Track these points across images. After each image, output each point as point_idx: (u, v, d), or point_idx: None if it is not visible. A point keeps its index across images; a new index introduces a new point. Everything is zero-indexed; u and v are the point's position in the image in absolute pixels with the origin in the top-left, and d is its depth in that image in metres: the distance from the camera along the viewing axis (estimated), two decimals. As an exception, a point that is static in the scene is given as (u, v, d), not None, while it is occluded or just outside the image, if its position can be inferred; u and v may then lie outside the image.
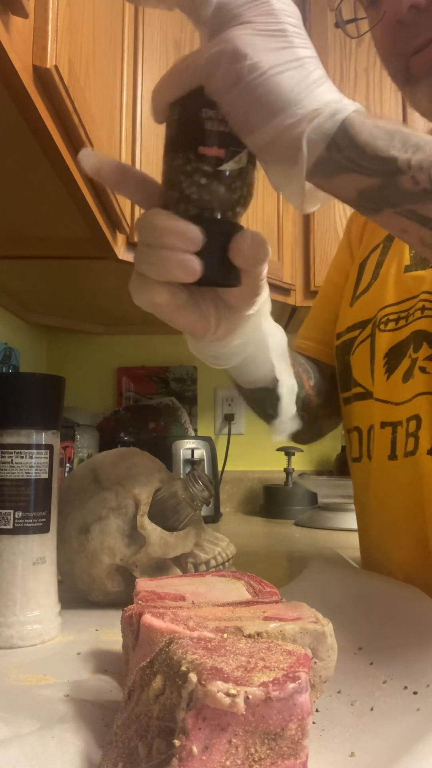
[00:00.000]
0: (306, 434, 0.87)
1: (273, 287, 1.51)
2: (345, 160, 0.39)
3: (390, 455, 0.67)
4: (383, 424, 0.68)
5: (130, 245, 1.15)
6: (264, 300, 0.49)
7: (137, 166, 1.16)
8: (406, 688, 0.41)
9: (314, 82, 0.38)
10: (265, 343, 0.53)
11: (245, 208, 0.43)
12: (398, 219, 0.41)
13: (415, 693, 0.41)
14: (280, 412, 0.54)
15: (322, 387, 0.82)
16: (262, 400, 0.67)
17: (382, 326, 0.70)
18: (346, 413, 0.77)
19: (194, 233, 0.40)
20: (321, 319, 0.87)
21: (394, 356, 0.68)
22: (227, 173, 0.41)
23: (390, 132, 0.39)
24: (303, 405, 0.76)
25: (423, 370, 0.64)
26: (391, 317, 0.69)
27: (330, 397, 0.82)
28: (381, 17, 0.62)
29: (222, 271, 0.42)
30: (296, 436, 0.85)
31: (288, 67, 0.38)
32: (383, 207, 0.41)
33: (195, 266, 0.40)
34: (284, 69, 0.37)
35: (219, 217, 0.42)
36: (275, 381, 0.54)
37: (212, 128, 0.40)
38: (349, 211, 1.61)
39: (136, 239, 0.43)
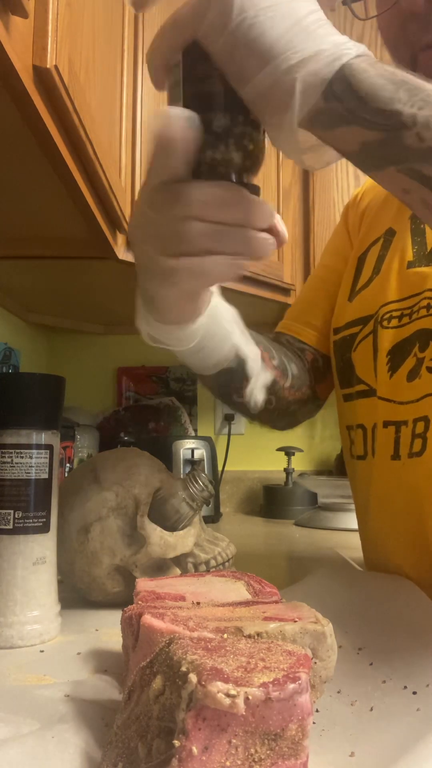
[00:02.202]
0: (280, 420, 0.84)
1: (273, 287, 1.52)
2: (345, 111, 0.36)
3: (393, 455, 0.66)
4: (386, 423, 0.68)
5: (130, 245, 1.15)
6: None
7: (137, 166, 1.16)
8: (405, 688, 0.41)
9: (313, 23, 0.36)
10: (219, 314, 0.51)
11: (254, 168, 0.41)
12: (401, 178, 0.38)
13: (414, 693, 0.41)
14: (250, 373, 0.51)
15: (294, 370, 0.79)
16: (226, 385, 0.65)
17: (384, 323, 0.69)
18: (347, 410, 0.76)
19: (270, 209, 0.37)
20: (314, 304, 0.85)
21: (397, 354, 0.67)
22: (224, 134, 0.38)
23: (396, 82, 0.36)
24: (268, 385, 0.74)
25: (430, 370, 0.63)
26: (394, 314, 0.68)
27: (303, 382, 0.80)
28: (394, 2, 0.60)
29: None
30: (271, 422, 0.83)
31: (282, 8, 0.35)
32: (386, 164, 0.38)
33: (272, 244, 0.38)
34: (277, 10, 0.35)
35: (245, 181, 0.39)
36: (237, 358, 0.52)
37: (206, 87, 0.38)
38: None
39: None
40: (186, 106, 0.38)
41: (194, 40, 0.37)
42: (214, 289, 0.49)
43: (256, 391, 0.53)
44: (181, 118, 0.37)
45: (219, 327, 0.52)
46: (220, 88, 0.38)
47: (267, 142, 0.41)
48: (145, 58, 0.39)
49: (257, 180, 0.41)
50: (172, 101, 0.39)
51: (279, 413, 0.80)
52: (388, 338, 0.68)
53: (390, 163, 0.38)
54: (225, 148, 0.38)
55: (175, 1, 0.39)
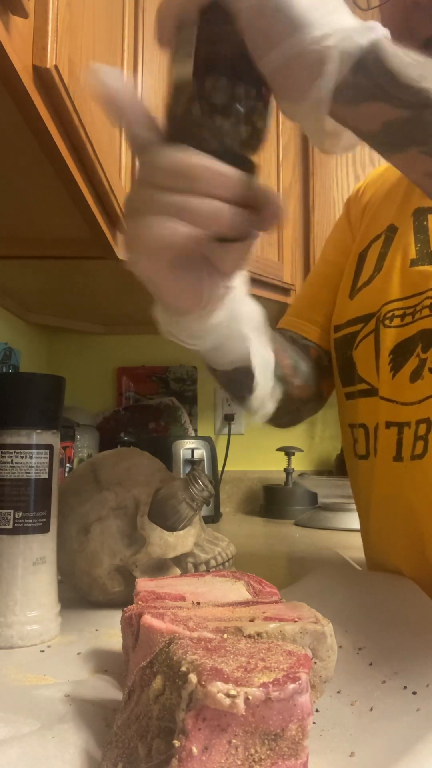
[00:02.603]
0: (284, 417, 0.83)
1: (273, 287, 1.52)
2: (372, 86, 0.35)
3: (395, 456, 0.66)
4: (388, 424, 0.67)
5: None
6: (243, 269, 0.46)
7: (137, 165, 1.16)
8: (405, 688, 0.41)
9: (339, 5, 0.35)
10: (239, 317, 0.50)
11: (257, 146, 0.39)
12: (424, 160, 0.37)
13: (414, 693, 0.41)
14: (255, 386, 0.50)
15: (303, 368, 0.78)
16: (240, 382, 0.62)
17: (387, 322, 0.68)
18: (349, 408, 0.76)
19: (235, 176, 0.35)
20: (316, 300, 0.83)
21: (399, 354, 0.66)
22: (234, 103, 0.36)
23: (422, 63, 0.35)
24: (280, 384, 0.74)
25: None
26: (397, 313, 0.67)
27: (310, 380, 0.79)
28: None
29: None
30: (274, 419, 0.80)
31: None
32: (409, 144, 0.37)
33: (233, 216, 0.35)
34: None
35: (226, 154, 0.37)
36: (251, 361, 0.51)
37: (222, 50, 0.36)
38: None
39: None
40: (197, 67, 0.36)
41: (215, 0, 0.35)
42: (240, 289, 0.48)
43: (267, 402, 0.52)
44: (113, 74, 0.36)
45: (236, 330, 0.50)
46: (238, 54, 0.36)
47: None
48: (157, 11, 0.37)
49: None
50: (176, 61, 0.37)
51: (284, 411, 0.78)
52: (390, 337, 0.68)
53: (413, 144, 0.37)
54: (228, 119, 0.36)
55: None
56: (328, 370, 0.81)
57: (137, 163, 0.38)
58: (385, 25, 0.64)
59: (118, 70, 0.37)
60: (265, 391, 0.51)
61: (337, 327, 0.77)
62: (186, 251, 0.38)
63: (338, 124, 0.38)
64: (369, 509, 0.72)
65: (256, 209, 0.37)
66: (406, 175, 0.41)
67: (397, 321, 0.67)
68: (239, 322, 0.50)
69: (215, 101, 0.36)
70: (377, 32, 0.35)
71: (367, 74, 0.35)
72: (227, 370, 0.59)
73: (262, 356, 0.51)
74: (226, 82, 0.36)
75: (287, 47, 0.34)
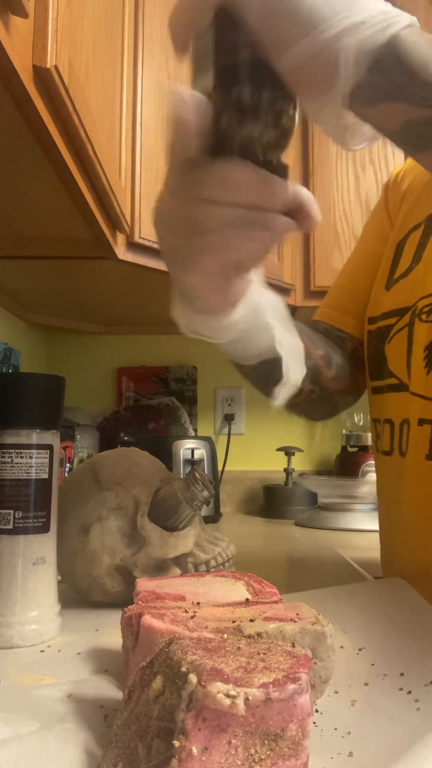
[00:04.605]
0: (320, 410, 0.81)
1: (273, 287, 1.52)
2: (390, 86, 0.33)
3: (428, 454, 0.64)
4: (421, 421, 0.65)
5: (130, 245, 1.15)
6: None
7: (137, 166, 1.16)
8: (405, 688, 0.41)
9: None
10: (261, 307, 0.49)
11: (286, 146, 0.38)
12: None
13: (410, 692, 0.41)
14: (285, 373, 0.49)
15: (336, 359, 0.76)
16: (266, 375, 0.61)
17: (423, 316, 0.65)
18: (377, 402, 0.73)
19: (286, 188, 0.35)
20: (354, 290, 0.81)
21: None
22: (260, 108, 0.35)
23: None
24: (312, 376, 0.71)
25: None
26: None
27: (345, 372, 0.77)
28: None
29: None
30: (309, 412, 0.80)
31: None
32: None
33: (291, 227, 0.36)
34: None
35: (258, 161, 0.36)
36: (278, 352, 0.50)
37: (240, 57, 0.35)
38: (350, 212, 1.61)
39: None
40: (219, 78, 0.35)
41: (225, 4, 0.34)
42: (257, 281, 0.47)
43: (284, 390, 0.50)
44: (193, 99, 0.35)
45: (260, 320, 0.50)
46: (256, 58, 0.35)
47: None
48: (168, 21, 0.36)
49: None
50: (197, 71, 0.37)
51: (320, 403, 0.77)
52: (425, 332, 0.65)
53: None
54: (258, 125, 0.36)
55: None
56: (363, 363, 0.79)
57: (178, 179, 0.37)
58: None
59: (191, 92, 0.36)
60: (298, 377, 0.49)
61: (371, 319, 0.74)
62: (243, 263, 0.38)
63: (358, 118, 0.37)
64: (399, 507, 0.70)
65: (296, 210, 0.37)
66: (430, 170, 0.40)
67: None
68: (262, 312, 0.49)
69: (243, 110, 0.35)
70: (399, 24, 0.33)
71: (384, 73, 0.33)
72: (255, 365, 0.57)
73: (289, 342, 0.50)
74: (250, 89, 0.35)
75: (302, 48, 0.33)
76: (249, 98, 0.35)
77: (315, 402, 0.74)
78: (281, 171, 0.37)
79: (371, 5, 0.33)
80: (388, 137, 0.37)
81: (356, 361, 0.79)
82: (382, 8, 0.33)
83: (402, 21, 0.33)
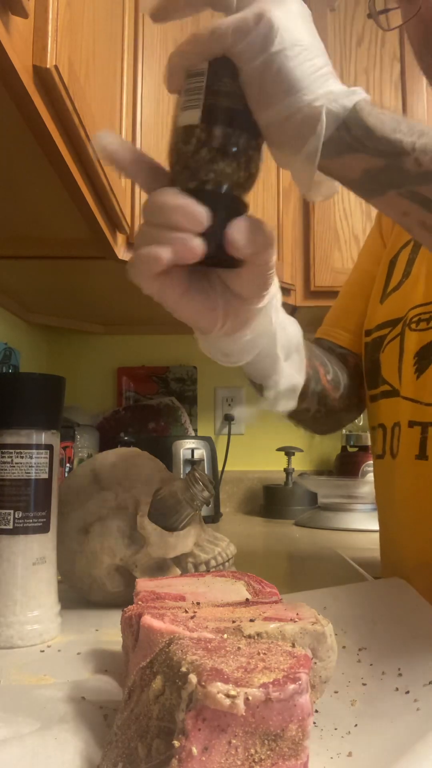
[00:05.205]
0: (324, 426, 0.86)
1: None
2: (353, 140, 0.40)
3: (418, 455, 0.67)
4: (411, 423, 0.68)
5: (130, 245, 1.15)
6: (274, 292, 0.49)
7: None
8: (405, 689, 0.41)
9: (330, 73, 0.41)
10: (272, 336, 0.53)
11: (250, 188, 0.43)
12: (400, 201, 0.42)
13: (408, 692, 0.41)
14: (276, 407, 0.55)
15: (343, 380, 0.80)
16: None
17: (412, 326, 0.70)
18: (373, 410, 0.78)
19: (199, 211, 0.40)
20: (352, 308, 0.86)
21: (425, 356, 0.68)
22: (236, 150, 0.41)
23: (397, 119, 0.41)
24: (319, 399, 0.76)
25: None
26: (423, 317, 0.70)
27: (351, 390, 0.81)
28: (416, 12, 0.62)
29: (225, 251, 0.41)
30: (314, 427, 0.85)
31: (315, 52, 0.40)
32: (387, 188, 0.42)
33: (197, 245, 0.40)
34: (313, 53, 0.39)
35: (224, 194, 0.41)
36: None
37: (227, 102, 0.40)
38: (350, 213, 1.61)
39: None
40: (205, 114, 0.40)
41: (225, 55, 0.39)
42: (272, 309, 0.51)
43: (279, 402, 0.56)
44: (114, 138, 0.42)
45: (269, 348, 0.54)
46: (240, 107, 0.40)
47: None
48: (168, 60, 0.41)
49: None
50: (184, 106, 0.41)
51: (324, 420, 0.81)
52: (414, 340, 0.70)
53: (391, 187, 0.42)
54: (233, 164, 0.41)
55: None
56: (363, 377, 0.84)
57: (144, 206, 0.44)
58: (410, 39, 0.67)
59: (115, 134, 0.43)
60: (285, 409, 0.56)
61: (367, 331, 0.79)
62: (178, 276, 0.43)
63: (322, 174, 0.43)
64: (392, 507, 0.73)
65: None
66: (386, 215, 0.46)
67: (423, 325, 0.69)
68: (271, 341, 0.54)
69: (222, 149, 0.40)
70: (359, 95, 0.40)
71: (348, 130, 0.40)
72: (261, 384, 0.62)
73: (289, 382, 0.56)
74: (231, 132, 0.40)
75: (285, 106, 0.39)
76: (230, 140, 0.40)
77: (320, 420, 0.79)
78: (242, 207, 0.42)
79: (337, 85, 0.41)
80: (349, 185, 0.43)
81: (358, 375, 0.83)
82: (344, 87, 0.41)
83: (361, 94, 0.41)
